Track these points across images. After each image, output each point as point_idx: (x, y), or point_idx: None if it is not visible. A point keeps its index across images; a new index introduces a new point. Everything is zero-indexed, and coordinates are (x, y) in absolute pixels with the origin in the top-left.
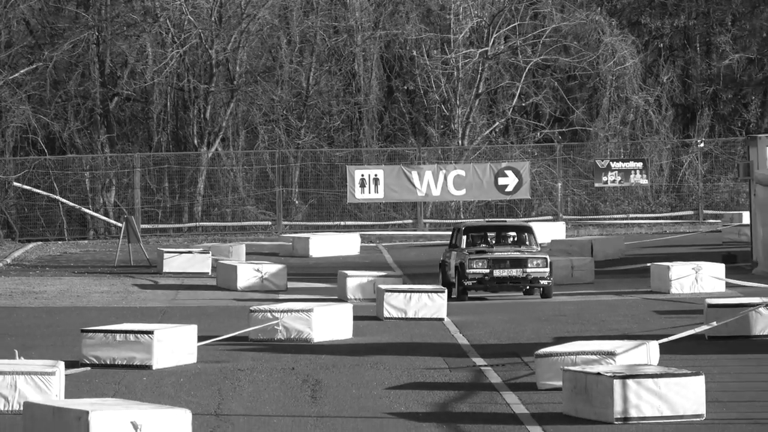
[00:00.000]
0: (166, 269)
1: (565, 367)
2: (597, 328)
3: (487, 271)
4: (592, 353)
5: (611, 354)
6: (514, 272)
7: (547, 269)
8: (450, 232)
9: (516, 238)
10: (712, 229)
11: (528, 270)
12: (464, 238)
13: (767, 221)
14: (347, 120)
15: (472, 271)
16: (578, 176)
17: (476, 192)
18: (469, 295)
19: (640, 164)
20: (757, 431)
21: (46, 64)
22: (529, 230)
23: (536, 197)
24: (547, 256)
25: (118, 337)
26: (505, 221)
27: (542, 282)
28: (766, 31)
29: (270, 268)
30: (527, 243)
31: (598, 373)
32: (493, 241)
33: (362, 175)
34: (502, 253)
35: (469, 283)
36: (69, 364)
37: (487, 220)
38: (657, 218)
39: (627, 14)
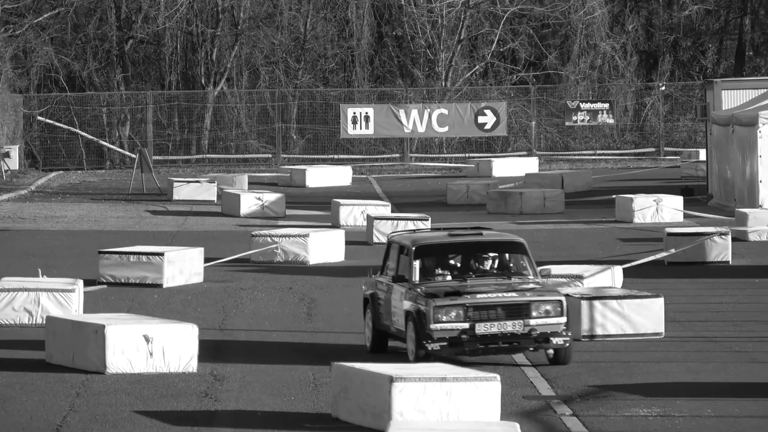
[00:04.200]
0: (175, 197)
1: None
2: (567, 253)
3: (466, 326)
4: (562, 276)
5: (579, 277)
6: (510, 326)
7: (563, 319)
8: (433, 163)
9: (499, 263)
10: (672, 165)
11: (532, 322)
12: (416, 264)
13: (722, 158)
14: (341, 62)
15: (440, 327)
16: (550, 115)
17: (458, 129)
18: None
19: (606, 105)
20: (711, 348)
21: (67, 9)
22: (521, 248)
23: (512, 134)
24: (562, 297)
25: (132, 258)
26: (481, 234)
27: (555, 341)
28: None
29: (270, 196)
30: (518, 270)
31: (568, 295)
32: (460, 267)
33: (354, 113)
34: (490, 296)
35: (436, 346)
36: (87, 282)
37: (449, 231)
38: (622, 154)
39: None
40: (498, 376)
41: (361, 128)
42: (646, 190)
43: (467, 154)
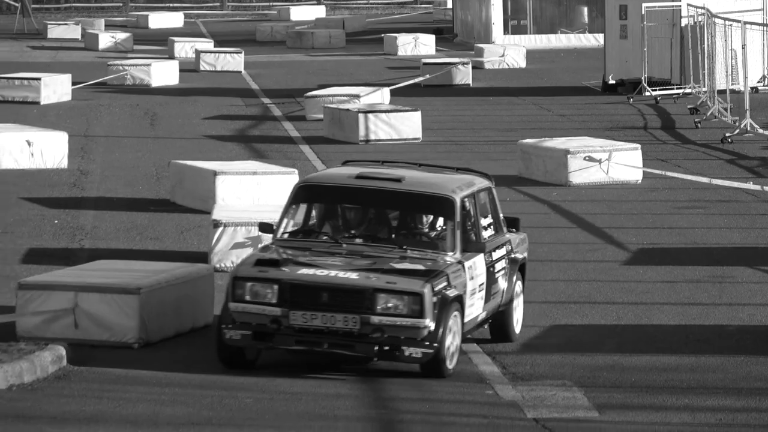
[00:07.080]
0: (49, 36)
1: (325, 105)
2: (348, 78)
3: (278, 312)
4: (344, 95)
5: (357, 96)
6: (341, 321)
7: (424, 321)
8: (246, 11)
9: (413, 224)
10: (426, 12)
11: (375, 319)
12: (288, 211)
13: (465, 6)
14: None
15: (242, 308)
16: None
17: None
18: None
19: None
20: (457, 149)
21: None
22: (444, 209)
23: None
24: (425, 290)
25: (16, 82)
26: (399, 181)
27: (407, 352)
28: None
29: (122, 35)
30: (435, 238)
31: (348, 109)
32: (359, 224)
33: None
34: (317, 273)
35: (236, 335)
36: None
37: (364, 173)
38: (388, 4)
39: None
40: (296, 170)
41: None
42: (407, 30)
43: (271, 3)
